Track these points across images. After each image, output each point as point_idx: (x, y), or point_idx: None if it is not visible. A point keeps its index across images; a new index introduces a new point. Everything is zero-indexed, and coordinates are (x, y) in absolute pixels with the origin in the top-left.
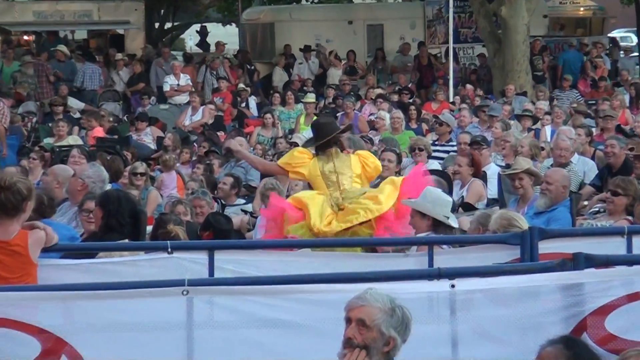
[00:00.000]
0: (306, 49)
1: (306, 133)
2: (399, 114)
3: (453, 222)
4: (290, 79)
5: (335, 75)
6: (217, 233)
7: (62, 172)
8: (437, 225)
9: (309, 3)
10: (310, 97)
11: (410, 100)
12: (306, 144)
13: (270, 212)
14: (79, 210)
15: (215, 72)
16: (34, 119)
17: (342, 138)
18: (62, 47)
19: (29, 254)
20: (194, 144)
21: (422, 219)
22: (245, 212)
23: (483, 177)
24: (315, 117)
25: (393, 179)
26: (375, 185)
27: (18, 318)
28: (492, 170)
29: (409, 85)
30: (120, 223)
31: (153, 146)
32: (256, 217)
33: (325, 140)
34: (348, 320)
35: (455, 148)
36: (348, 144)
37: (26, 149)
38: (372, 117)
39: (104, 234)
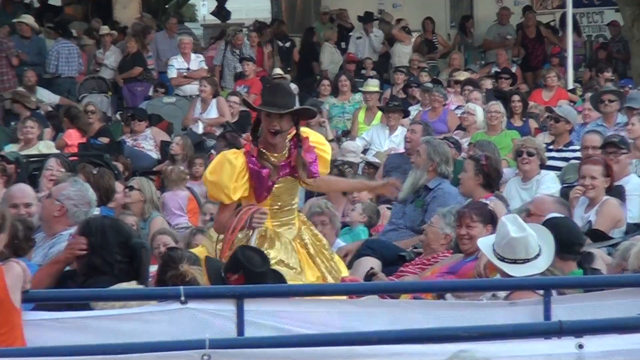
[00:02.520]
0: (366, 18)
1: (367, 134)
2: (497, 106)
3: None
4: (344, 60)
5: (402, 53)
6: (249, 276)
7: (23, 194)
8: None
9: None
10: (373, 85)
11: (512, 88)
12: None
13: None
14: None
15: (238, 51)
16: None
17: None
18: (27, 18)
19: (9, 298)
20: (212, 150)
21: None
22: None
23: (619, 194)
24: (379, 113)
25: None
26: None
27: None
28: (633, 184)
29: (511, 67)
30: (106, 262)
31: (155, 155)
32: None
33: None
34: None
35: (577, 154)
36: (427, 150)
37: None
38: (458, 112)
39: (87, 276)
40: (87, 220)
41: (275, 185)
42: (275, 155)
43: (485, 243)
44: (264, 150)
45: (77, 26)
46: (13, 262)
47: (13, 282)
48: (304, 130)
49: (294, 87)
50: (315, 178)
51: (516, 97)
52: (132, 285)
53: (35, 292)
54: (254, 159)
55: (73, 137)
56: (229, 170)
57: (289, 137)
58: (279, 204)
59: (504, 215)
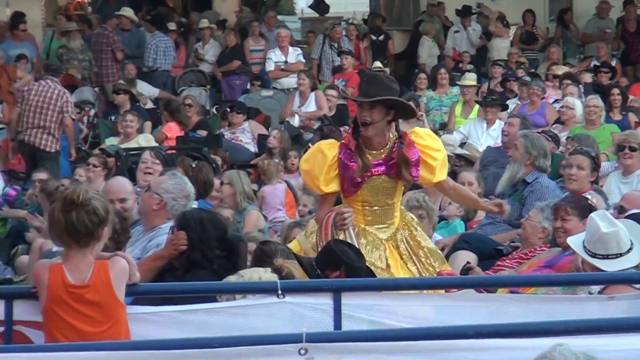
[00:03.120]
0: (464, 12)
1: (464, 128)
2: (596, 100)
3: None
4: (442, 54)
5: (500, 47)
6: (350, 272)
7: (119, 189)
8: None
9: None
10: (471, 79)
11: (612, 82)
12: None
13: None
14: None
15: (336, 45)
16: (92, 112)
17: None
18: (128, 11)
19: (114, 293)
20: (309, 144)
21: None
22: None
23: None
24: (477, 106)
25: None
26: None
27: None
28: None
29: (610, 61)
30: (206, 256)
31: (253, 148)
32: None
33: None
34: None
35: None
36: (524, 143)
37: (82, 153)
38: (557, 106)
39: (186, 271)
40: (184, 214)
41: (366, 183)
42: (373, 152)
43: (575, 241)
44: (363, 145)
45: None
46: (119, 257)
47: (118, 277)
48: (417, 131)
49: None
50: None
51: (615, 91)
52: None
53: (135, 285)
54: (349, 152)
55: (172, 130)
56: (320, 160)
57: (392, 136)
58: (371, 202)
59: (593, 213)
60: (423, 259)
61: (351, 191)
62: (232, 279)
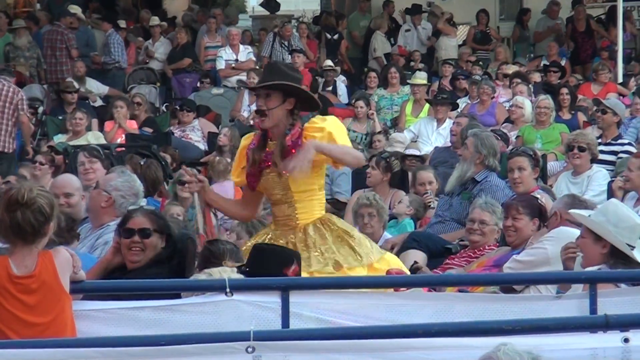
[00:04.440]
0: (414, 10)
1: (415, 127)
2: (547, 101)
3: (639, 254)
4: (391, 52)
5: (448, 46)
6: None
7: (64, 184)
8: (616, 255)
9: None
10: (421, 77)
11: (561, 81)
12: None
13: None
14: (117, 232)
15: (287, 43)
16: (40, 109)
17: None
18: (75, 8)
19: (59, 282)
20: None
21: (595, 244)
22: None
23: None
24: (427, 105)
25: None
26: None
27: None
28: None
29: (560, 61)
30: (170, 253)
31: (202, 146)
32: None
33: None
34: None
35: (627, 148)
36: (474, 142)
37: (28, 150)
38: (507, 105)
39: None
40: (152, 211)
41: (263, 176)
42: (272, 142)
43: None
44: (269, 137)
45: (125, 16)
46: (61, 247)
47: (62, 266)
48: (314, 119)
49: (344, 78)
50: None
51: (564, 90)
52: None
53: (83, 283)
54: (254, 142)
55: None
56: (238, 150)
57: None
58: (270, 196)
59: (609, 201)
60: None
61: (251, 183)
62: (201, 277)
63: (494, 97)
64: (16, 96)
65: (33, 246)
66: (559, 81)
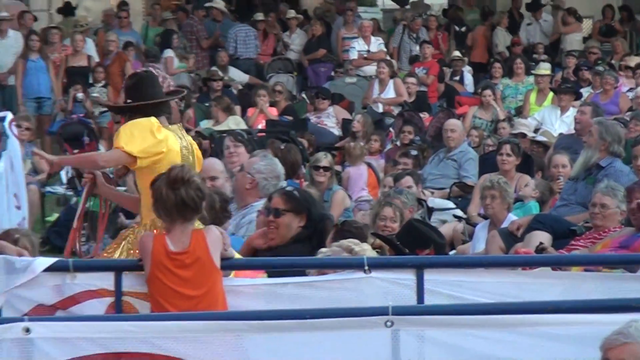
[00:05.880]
0: (535, 5)
1: (538, 114)
2: None
3: None
4: (512, 44)
5: (572, 39)
6: (437, 249)
7: (209, 168)
8: None
9: None
10: (545, 68)
11: None
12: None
13: None
14: (261, 212)
15: (415, 35)
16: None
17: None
18: (218, 2)
19: (211, 258)
20: (390, 129)
21: None
22: (458, 218)
23: None
24: (550, 94)
25: None
26: None
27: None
28: None
29: None
30: (310, 232)
31: (337, 131)
32: (474, 225)
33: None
34: None
35: None
36: (598, 130)
37: None
38: (630, 95)
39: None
40: (290, 192)
41: None
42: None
43: None
44: None
45: (263, 9)
46: (212, 226)
47: (213, 243)
48: None
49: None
50: None
51: None
52: None
53: (232, 259)
54: None
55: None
56: None
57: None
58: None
59: None
60: None
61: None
62: (333, 249)
63: (617, 87)
64: (165, 82)
65: (189, 224)
66: None
